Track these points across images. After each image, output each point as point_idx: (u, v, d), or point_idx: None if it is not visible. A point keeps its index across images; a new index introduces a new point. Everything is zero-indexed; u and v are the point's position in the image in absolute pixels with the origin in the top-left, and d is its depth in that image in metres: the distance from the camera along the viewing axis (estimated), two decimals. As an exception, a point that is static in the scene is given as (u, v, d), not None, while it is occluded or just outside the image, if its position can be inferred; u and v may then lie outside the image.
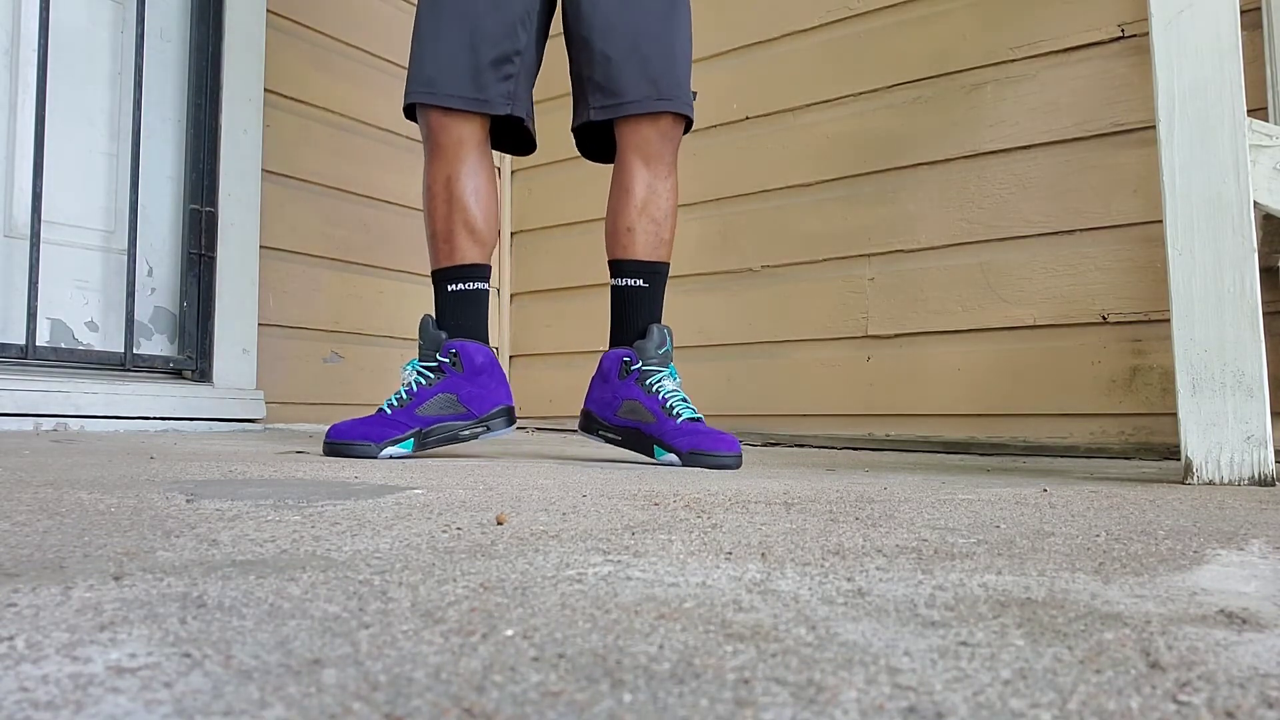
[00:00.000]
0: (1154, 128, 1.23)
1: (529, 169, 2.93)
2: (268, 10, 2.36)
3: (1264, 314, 1.17)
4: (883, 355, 2.31)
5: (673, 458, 1.47)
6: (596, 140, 1.64)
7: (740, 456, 1.45)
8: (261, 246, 2.34)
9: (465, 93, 1.51)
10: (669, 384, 1.53)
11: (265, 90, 2.36)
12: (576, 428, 1.65)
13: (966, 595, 0.46)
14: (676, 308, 2.78)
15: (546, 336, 2.96)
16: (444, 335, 1.53)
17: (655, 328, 1.56)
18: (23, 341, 1.94)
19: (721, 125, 2.59)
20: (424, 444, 1.48)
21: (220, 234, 2.26)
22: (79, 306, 2.11)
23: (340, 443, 1.42)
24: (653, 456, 1.50)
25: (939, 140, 2.25)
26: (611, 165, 1.63)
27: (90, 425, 1.95)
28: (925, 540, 0.65)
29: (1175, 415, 1.19)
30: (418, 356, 1.55)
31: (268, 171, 2.36)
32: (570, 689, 0.31)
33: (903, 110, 2.31)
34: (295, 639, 0.36)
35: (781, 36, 2.51)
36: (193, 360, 2.24)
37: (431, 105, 1.52)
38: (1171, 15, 1.22)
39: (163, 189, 2.26)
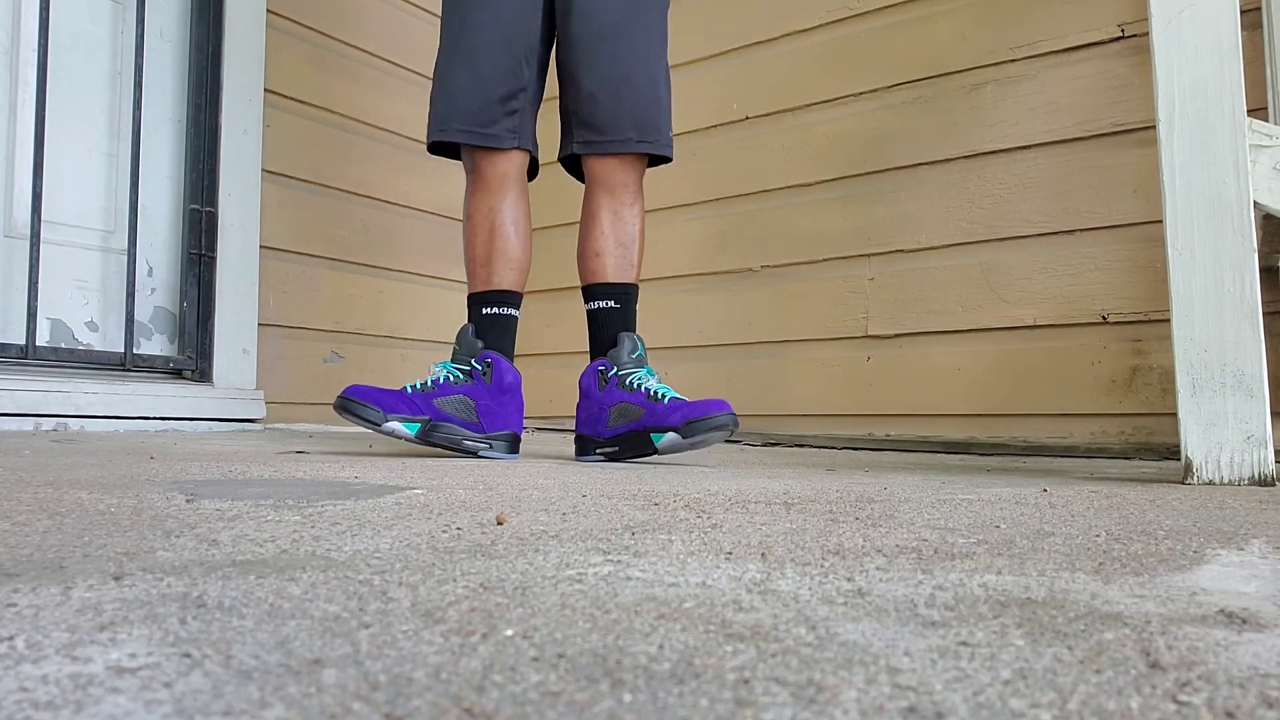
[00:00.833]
0: (1154, 128, 1.23)
1: (529, 169, 2.93)
2: (268, 10, 2.36)
3: (1264, 314, 1.17)
4: (883, 355, 2.31)
5: (672, 436, 1.48)
6: (579, 163, 1.74)
7: (734, 415, 1.48)
8: (261, 246, 2.34)
9: (475, 128, 1.60)
10: (650, 380, 1.57)
11: (265, 90, 2.36)
12: (574, 455, 1.67)
13: (966, 595, 0.46)
14: (676, 308, 2.79)
15: (546, 336, 2.96)
16: (482, 345, 1.60)
17: (624, 336, 1.62)
18: (23, 341, 1.94)
19: (721, 125, 2.59)
20: (428, 437, 1.50)
21: (220, 234, 2.26)
22: (79, 306, 2.11)
23: (353, 400, 1.45)
24: (654, 446, 1.51)
25: (939, 140, 2.25)
26: None
27: (90, 425, 1.95)
28: (925, 540, 0.65)
29: (1175, 415, 1.19)
30: (450, 359, 1.60)
31: (268, 171, 2.36)
32: (570, 689, 0.31)
33: (903, 110, 2.31)
34: (295, 639, 0.36)
35: (781, 36, 2.51)
36: (193, 360, 2.24)
37: (467, 144, 1.62)
38: (1171, 15, 1.22)
39: (163, 189, 2.26)
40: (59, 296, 2.07)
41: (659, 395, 1.53)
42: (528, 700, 0.29)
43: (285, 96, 2.42)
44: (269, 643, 0.35)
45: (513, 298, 1.66)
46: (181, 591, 0.44)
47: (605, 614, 0.41)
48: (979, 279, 2.19)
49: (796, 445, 2.37)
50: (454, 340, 1.62)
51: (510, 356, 1.64)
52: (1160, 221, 1.24)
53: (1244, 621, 0.41)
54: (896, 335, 2.29)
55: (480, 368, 1.57)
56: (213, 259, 2.25)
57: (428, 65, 2.72)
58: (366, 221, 2.63)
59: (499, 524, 0.68)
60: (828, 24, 2.44)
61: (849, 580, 0.50)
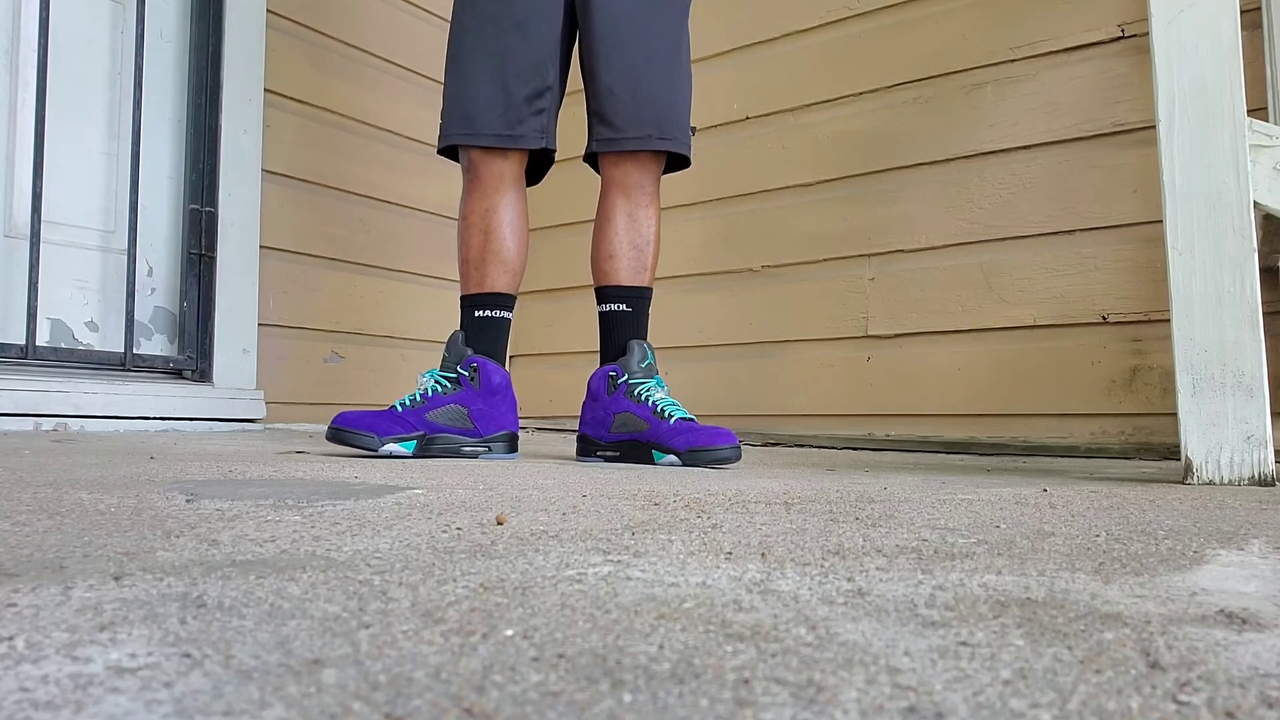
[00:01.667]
0: (1154, 128, 1.23)
1: (529, 169, 2.93)
2: (268, 10, 2.36)
3: (1264, 314, 1.17)
4: (883, 355, 2.31)
5: (673, 459, 1.48)
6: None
7: (739, 448, 1.47)
8: (261, 246, 2.34)
9: (501, 130, 1.57)
10: (658, 392, 1.57)
11: (265, 90, 2.36)
12: (575, 454, 1.67)
13: (966, 595, 0.46)
14: (677, 308, 2.79)
15: (546, 336, 2.96)
16: (469, 350, 1.58)
17: (635, 343, 1.60)
18: (23, 341, 1.94)
19: (721, 125, 2.59)
20: (426, 450, 1.51)
21: (220, 234, 2.26)
22: (79, 306, 2.11)
23: (345, 430, 1.44)
24: (652, 463, 1.51)
25: (939, 140, 2.25)
26: None
27: (90, 425, 1.95)
28: (925, 540, 0.65)
29: (1175, 415, 1.19)
30: (439, 366, 1.58)
31: (268, 171, 2.36)
32: (570, 689, 0.31)
33: (903, 110, 2.31)
34: (295, 639, 0.36)
35: (781, 36, 2.51)
36: (193, 360, 2.24)
37: (472, 146, 1.58)
38: (1171, 15, 1.22)
39: (163, 189, 2.26)
40: (59, 296, 2.07)
41: (665, 413, 1.52)
42: (528, 700, 0.29)
43: (285, 96, 2.42)
44: (269, 643, 0.35)
45: (506, 300, 1.63)
46: (181, 591, 0.44)
47: (605, 614, 0.41)
48: (979, 279, 2.19)
49: (796, 445, 2.37)
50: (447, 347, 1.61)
51: (503, 359, 1.64)
52: (1160, 221, 1.24)
53: (1244, 621, 0.41)
54: (896, 335, 2.29)
55: (467, 373, 1.56)
56: (213, 259, 2.25)
57: (428, 65, 2.73)
58: (366, 221, 2.63)
59: (499, 524, 0.68)
60: (828, 24, 2.44)
61: (849, 580, 0.50)
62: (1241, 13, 1.21)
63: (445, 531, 0.64)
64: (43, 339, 2.02)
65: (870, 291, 2.34)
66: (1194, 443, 1.17)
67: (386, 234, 2.68)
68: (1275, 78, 1.83)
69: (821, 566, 0.54)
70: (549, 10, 1.58)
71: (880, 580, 0.50)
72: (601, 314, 1.67)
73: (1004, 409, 2.14)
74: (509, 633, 0.38)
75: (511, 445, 1.59)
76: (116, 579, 0.46)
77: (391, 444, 1.46)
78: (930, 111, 2.27)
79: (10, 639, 0.35)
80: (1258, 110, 1.81)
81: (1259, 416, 1.15)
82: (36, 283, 1.96)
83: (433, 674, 0.32)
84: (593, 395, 1.62)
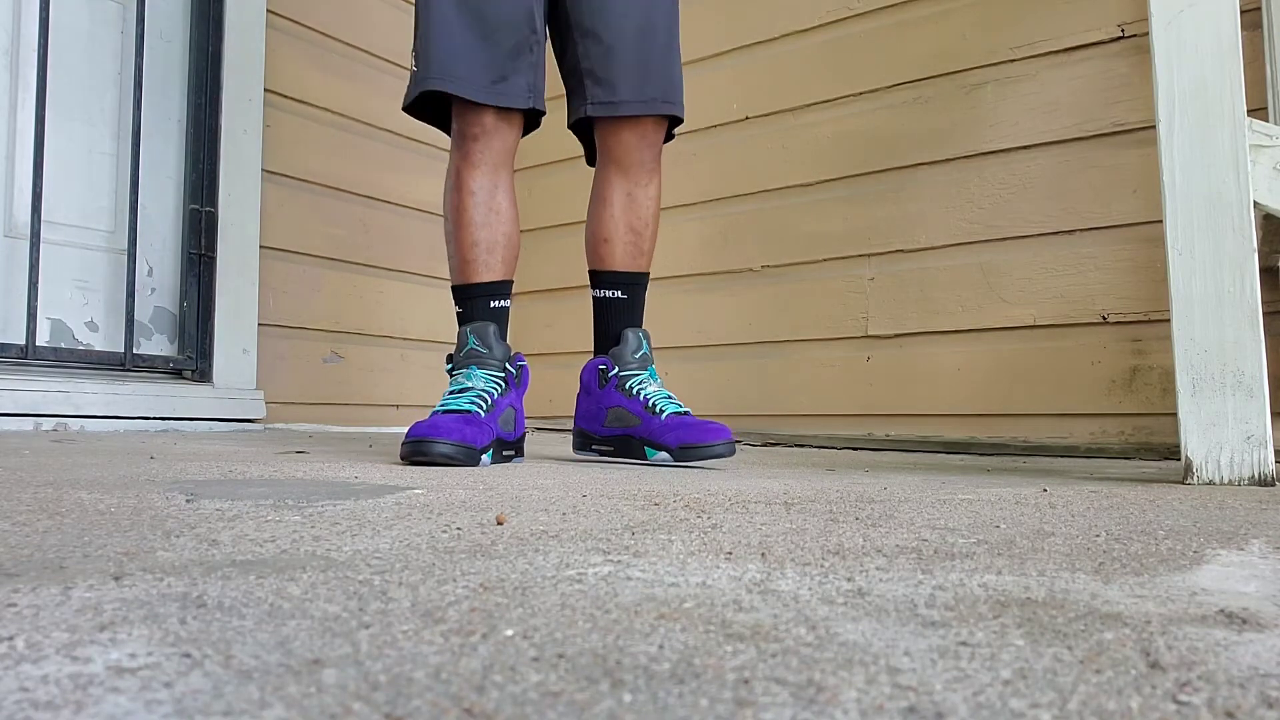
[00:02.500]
0: (1154, 128, 1.23)
1: (528, 169, 2.93)
2: (268, 10, 2.36)
3: (1264, 314, 1.17)
4: (883, 355, 2.31)
5: (665, 455, 1.43)
6: (590, 130, 1.57)
7: (733, 444, 1.41)
8: (261, 246, 2.34)
9: (485, 83, 1.39)
10: (650, 385, 1.50)
11: (265, 90, 2.36)
12: (572, 449, 1.63)
13: (966, 595, 0.46)
14: (676, 308, 2.79)
15: (546, 336, 2.96)
16: (510, 348, 1.47)
17: (629, 332, 1.53)
18: (23, 341, 1.94)
19: (721, 125, 2.59)
20: (495, 458, 1.39)
21: (220, 234, 2.26)
22: (79, 306, 2.11)
23: (439, 442, 1.24)
24: (645, 459, 1.47)
25: (939, 140, 2.25)
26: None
27: (90, 425, 1.95)
28: (925, 540, 0.65)
29: (1175, 415, 1.19)
30: (476, 365, 1.41)
31: (268, 171, 2.36)
32: (570, 689, 0.31)
33: (903, 110, 2.31)
34: (295, 639, 0.36)
35: (781, 36, 2.51)
36: (193, 360, 2.24)
37: (455, 96, 1.40)
38: (1171, 15, 1.22)
39: (163, 189, 2.26)
40: (59, 296, 2.07)
41: (657, 408, 1.45)
42: (528, 700, 0.29)
43: (285, 96, 2.42)
44: (269, 643, 0.35)
45: (510, 287, 1.52)
46: (181, 591, 0.44)
47: (605, 614, 0.41)
48: (979, 279, 2.19)
49: (796, 445, 2.37)
50: (470, 340, 1.43)
51: None
52: (1160, 221, 1.24)
53: (1244, 621, 0.41)
54: (896, 335, 2.29)
55: (515, 372, 1.45)
56: (213, 259, 2.25)
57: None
58: (366, 221, 2.63)
59: (499, 524, 0.68)
60: (828, 24, 2.44)
61: (849, 580, 0.50)
62: (1241, 13, 1.21)
63: (445, 531, 0.64)
64: (43, 339, 2.02)
65: (870, 291, 2.34)
66: (1194, 443, 1.17)
67: (386, 234, 2.68)
68: (1275, 78, 1.83)
69: (821, 566, 0.54)
70: None
71: (880, 580, 0.50)
72: (595, 300, 1.59)
73: (1004, 409, 2.14)
74: (509, 633, 0.38)
75: (522, 449, 1.53)
76: (116, 579, 0.46)
77: (487, 456, 1.33)
78: (930, 111, 2.27)
79: (10, 639, 0.35)
80: (1258, 110, 1.81)
81: (1259, 416, 1.15)
82: (36, 283, 1.96)
83: (433, 674, 0.32)
84: (585, 388, 1.56)
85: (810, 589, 0.47)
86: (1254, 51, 1.82)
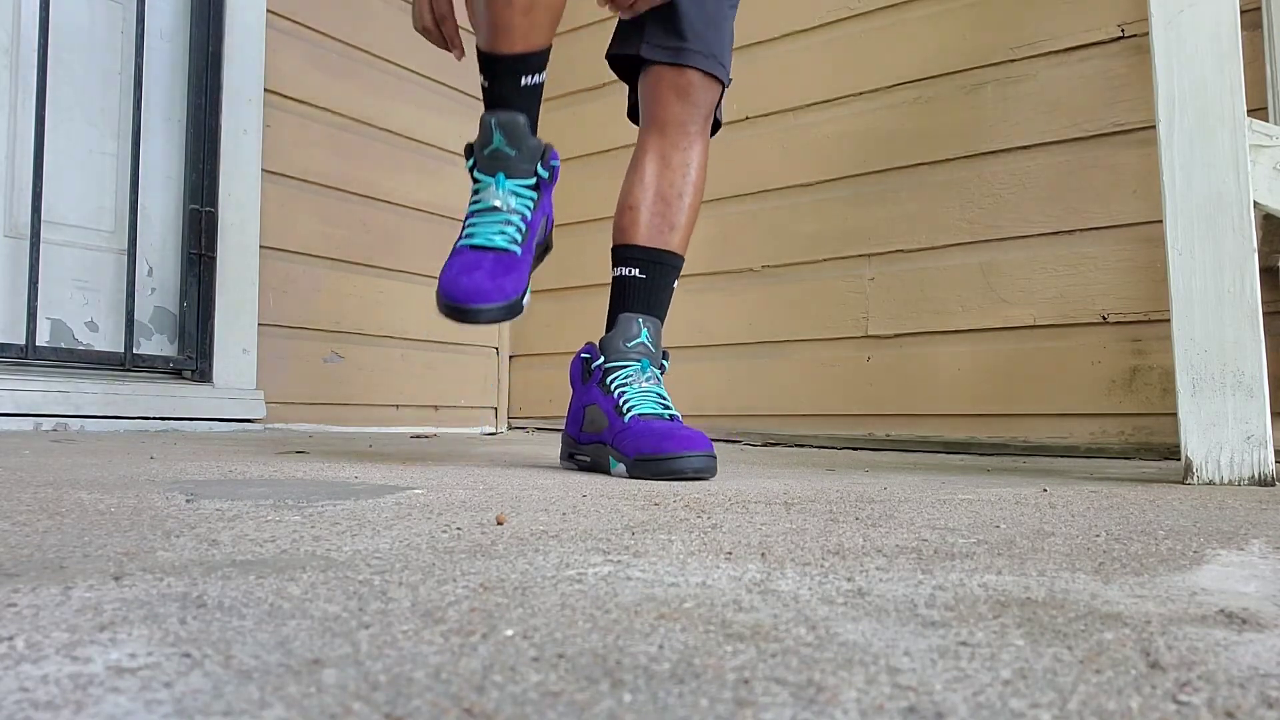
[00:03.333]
0: (1154, 128, 1.23)
1: (529, 169, 2.93)
2: (268, 10, 2.36)
3: (1264, 314, 1.17)
4: (883, 355, 2.31)
5: (622, 469, 1.17)
6: (631, 72, 1.40)
7: (706, 456, 1.12)
8: (261, 246, 2.34)
9: None
10: (638, 380, 1.25)
11: (265, 90, 2.36)
12: (559, 460, 1.42)
13: (966, 595, 0.46)
14: (677, 308, 2.76)
15: (546, 336, 2.96)
16: (543, 141, 1.23)
17: (628, 318, 1.29)
18: (23, 341, 1.94)
19: (722, 125, 2.59)
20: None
21: (220, 234, 2.26)
22: (79, 306, 2.11)
23: (493, 308, 1.11)
24: (608, 472, 1.22)
25: (939, 140, 2.25)
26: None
27: (90, 425, 1.95)
28: (925, 540, 0.65)
29: (1175, 415, 1.19)
30: (504, 171, 1.19)
31: (268, 171, 2.36)
32: (570, 689, 0.31)
33: (903, 110, 2.31)
34: (295, 639, 0.36)
35: (781, 36, 2.51)
36: (193, 360, 2.24)
37: None
38: (1171, 15, 1.22)
39: (163, 189, 2.26)
40: (59, 296, 2.07)
41: (625, 407, 1.21)
42: (528, 700, 0.29)
43: (285, 96, 2.42)
44: (269, 643, 0.35)
45: (546, 56, 1.23)
46: (181, 591, 0.44)
47: (605, 614, 0.41)
48: (979, 279, 2.19)
49: (796, 445, 2.37)
50: (496, 138, 1.18)
51: None
52: (1160, 221, 1.24)
53: (1244, 621, 0.41)
54: (896, 335, 2.29)
55: (547, 175, 1.22)
56: (213, 259, 2.25)
57: (428, 65, 2.73)
58: (366, 221, 2.63)
59: (499, 524, 0.68)
60: (828, 24, 2.44)
61: (849, 580, 0.50)
62: (1241, 13, 1.21)
63: (445, 531, 0.64)
64: (43, 339, 2.02)
65: (870, 291, 2.34)
66: (1194, 443, 1.17)
67: (386, 234, 2.68)
68: (1275, 78, 1.83)
69: (821, 566, 0.54)
70: None
71: (880, 580, 0.50)
72: (614, 279, 1.36)
73: (1004, 409, 2.14)
74: (509, 633, 0.38)
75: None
76: (116, 579, 0.46)
77: (527, 296, 1.18)
78: (930, 111, 2.27)
79: (10, 639, 0.35)
80: (1258, 110, 1.81)
81: (1259, 416, 1.15)
82: (36, 283, 1.96)
83: (433, 674, 0.32)
84: (571, 383, 1.35)
85: (810, 589, 0.47)
86: (1254, 51, 1.82)
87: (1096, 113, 2.05)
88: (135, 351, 2.14)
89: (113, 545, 0.55)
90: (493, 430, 2.96)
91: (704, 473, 1.12)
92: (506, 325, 3.02)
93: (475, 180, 1.23)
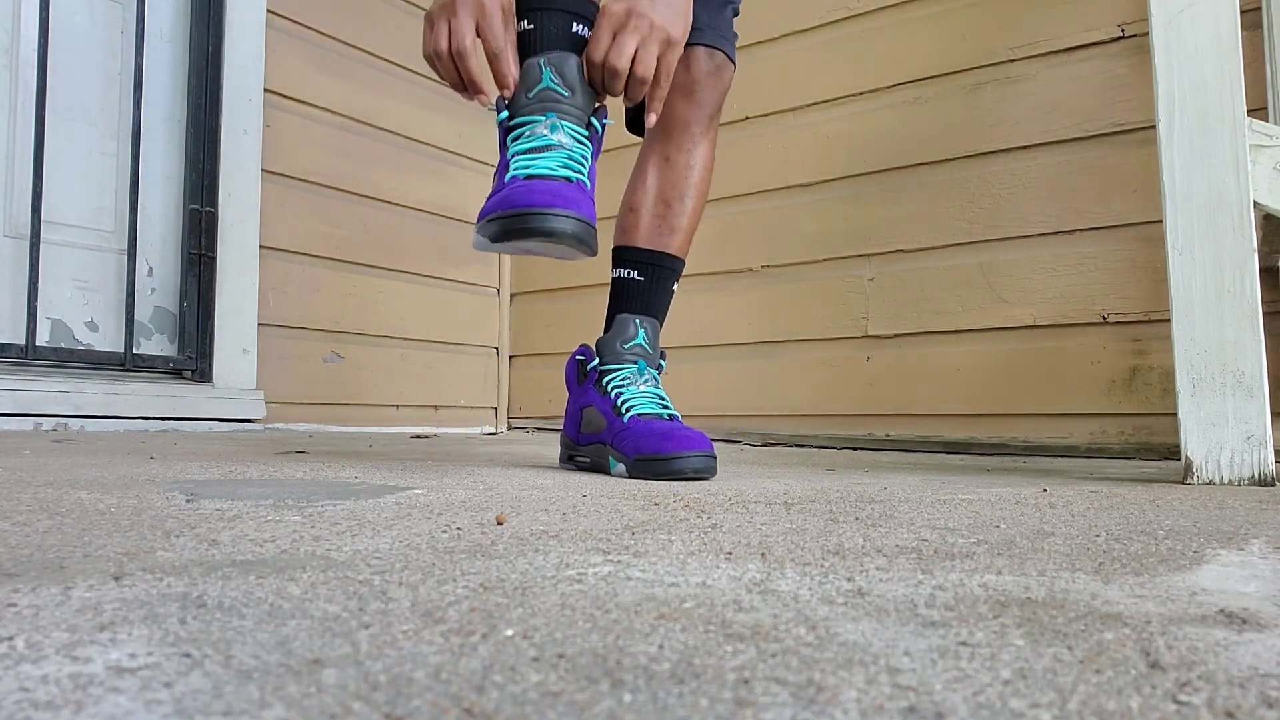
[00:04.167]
0: (1154, 128, 1.23)
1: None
2: (268, 10, 2.36)
3: (1264, 314, 1.17)
4: (883, 355, 2.31)
5: (622, 469, 1.17)
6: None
7: (706, 456, 1.11)
8: (261, 246, 2.34)
9: None
10: (636, 381, 1.24)
11: (265, 90, 2.36)
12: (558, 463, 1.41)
13: (966, 595, 0.46)
14: (676, 308, 2.76)
15: (546, 336, 2.96)
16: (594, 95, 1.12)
17: (625, 319, 1.27)
18: (23, 341, 1.94)
19: (721, 125, 2.59)
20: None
21: (220, 234, 2.26)
22: (79, 306, 2.11)
23: (574, 219, 0.96)
24: (609, 472, 1.22)
25: (939, 140, 2.25)
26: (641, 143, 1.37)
27: (90, 425, 1.95)
28: (925, 540, 0.65)
29: (1175, 415, 1.19)
30: (557, 113, 1.06)
31: (268, 171, 2.36)
32: (570, 689, 0.31)
33: (903, 110, 2.31)
34: (295, 639, 0.36)
35: (781, 36, 2.51)
36: (193, 360, 2.24)
37: None
38: (1171, 15, 1.22)
39: (163, 189, 2.26)
40: (59, 296, 2.07)
41: (624, 408, 1.20)
42: (528, 700, 0.29)
43: (285, 96, 2.42)
44: (269, 643, 0.35)
45: (597, 9, 1.12)
46: (181, 591, 0.44)
47: (605, 614, 0.41)
48: (979, 279, 2.19)
49: (796, 445, 2.37)
50: (546, 75, 1.06)
51: None
52: (1160, 221, 1.24)
53: (1244, 621, 0.41)
54: (896, 335, 2.29)
55: (600, 129, 1.11)
56: (213, 259, 2.25)
57: (428, 65, 2.72)
58: (366, 221, 2.63)
59: (499, 524, 0.68)
60: (828, 24, 2.44)
61: (849, 580, 0.50)
62: (1241, 13, 1.21)
63: (445, 531, 0.64)
64: (43, 339, 2.02)
65: (870, 291, 2.34)
66: (1194, 443, 1.17)
67: (386, 234, 2.68)
68: (1275, 78, 1.83)
69: (821, 566, 0.54)
70: None
71: (880, 580, 0.50)
72: (613, 280, 1.34)
73: (1004, 409, 2.14)
74: (509, 633, 0.38)
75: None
76: (116, 579, 0.46)
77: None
78: (930, 111, 2.27)
79: (10, 639, 0.35)
80: (1258, 110, 1.81)
81: (1259, 416, 1.15)
82: (36, 283, 1.96)
83: (433, 674, 0.32)
84: (567, 385, 1.35)
85: (810, 589, 0.47)
86: (1254, 51, 1.82)
87: (1096, 113, 2.05)
88: (135, 351, 2.14)
89: (113, 545, 0.55)
90: (493, 430, 2.96)
91: (704, 473, 1.11)
92: (507, 325, 3.02)
93: (514, 128, 1.08)
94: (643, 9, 1.05)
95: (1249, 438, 1.15)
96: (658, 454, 1.10)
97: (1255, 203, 1.19)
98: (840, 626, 0.40)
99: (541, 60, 1.06)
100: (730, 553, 0.58)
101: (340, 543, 0.58)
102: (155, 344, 2.24)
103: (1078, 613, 0.43)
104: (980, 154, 2.19)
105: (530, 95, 1.07)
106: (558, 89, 1.06)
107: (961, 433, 2.18)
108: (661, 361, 1.30)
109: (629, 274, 1.32)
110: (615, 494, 0.94)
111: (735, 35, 1.37)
